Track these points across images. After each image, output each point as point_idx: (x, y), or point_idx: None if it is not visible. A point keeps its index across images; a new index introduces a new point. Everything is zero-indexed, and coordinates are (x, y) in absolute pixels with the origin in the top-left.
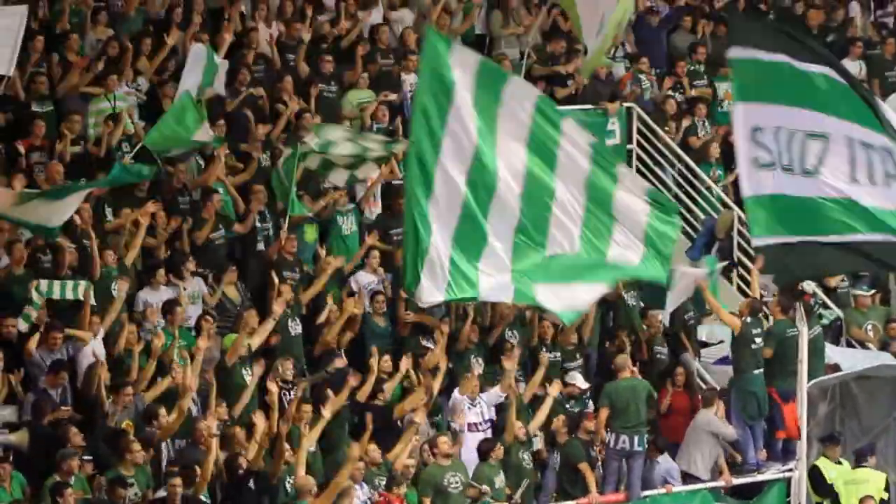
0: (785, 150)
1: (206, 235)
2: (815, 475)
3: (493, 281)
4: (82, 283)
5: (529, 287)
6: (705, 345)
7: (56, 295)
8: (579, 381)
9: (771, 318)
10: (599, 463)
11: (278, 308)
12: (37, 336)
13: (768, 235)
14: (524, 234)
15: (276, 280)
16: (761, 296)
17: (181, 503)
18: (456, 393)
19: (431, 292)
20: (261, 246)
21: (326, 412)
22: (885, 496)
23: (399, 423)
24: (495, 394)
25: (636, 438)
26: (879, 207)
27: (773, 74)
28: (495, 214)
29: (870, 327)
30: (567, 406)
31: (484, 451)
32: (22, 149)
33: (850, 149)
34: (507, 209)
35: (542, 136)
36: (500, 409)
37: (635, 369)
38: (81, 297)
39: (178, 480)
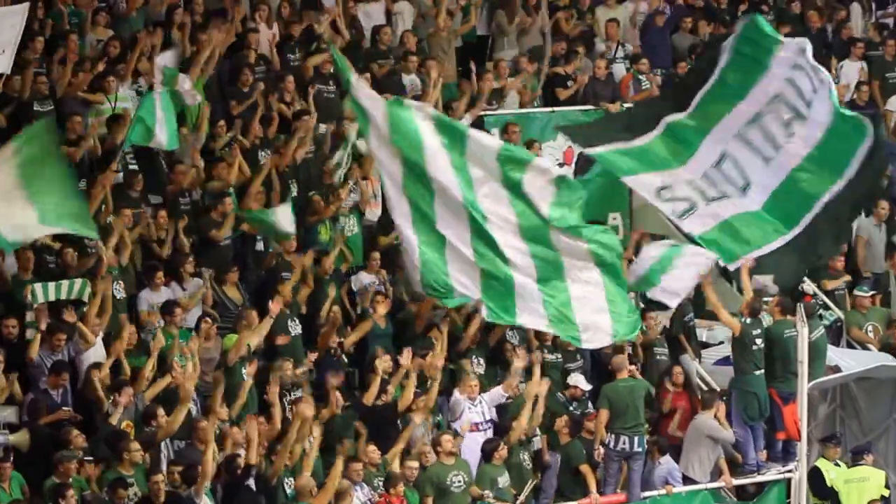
0: (707, 188)
1: (225, 234)
2: (815, 477)
3: (466, 287)
4: (78, 282)
5: (510, 308)
6: (705, 346)
7: (52, 297)
8: (581, 382)
9: (769, 318)
10: (602, 464)
11: (275, 307)
12: (38, 340)
13: (734, 260)
14: (478, 238)
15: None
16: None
17: (165, 500)
18: (456, 393)
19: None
20: (259, 246)
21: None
22: (887, 493)
23: (399, 423)
24: (498, 393)
25: (636, 439)
26: (795, 167)
27: (642, 153)
28: (440, 208)
29: (870, 328)
30: (571, 408)
31: (488, 451)
32: None
33: (744, 140)
34: (451, 207)
35: (451, 148)
36: (501, 409)
37: (633, 369)
38: (75, 297)
39: (159, 477)
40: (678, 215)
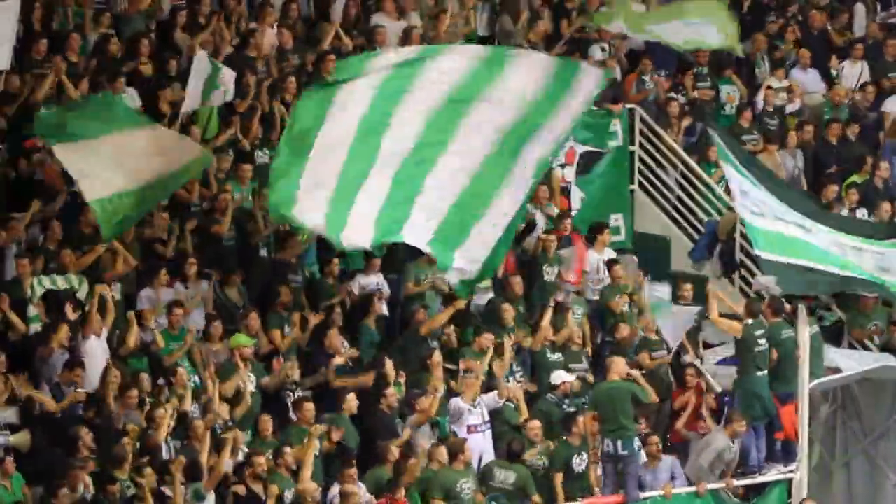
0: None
1: (225, 228)
2: None
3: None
4: (74, 277)
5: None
6: (707, 346)
7: (49, 286)
8: (564, 376)
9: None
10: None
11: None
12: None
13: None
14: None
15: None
16: (760, 297)
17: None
18: (459, 400)
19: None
20: (263, 253)
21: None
22: None
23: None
24: (493, 399)
25: (619, 442)
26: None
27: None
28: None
29: (872, 328)
30: (564, 406)
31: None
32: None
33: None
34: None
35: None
36: (494, 412)
37: (632, 371)
38: (72, 289)
39: (149, 470)
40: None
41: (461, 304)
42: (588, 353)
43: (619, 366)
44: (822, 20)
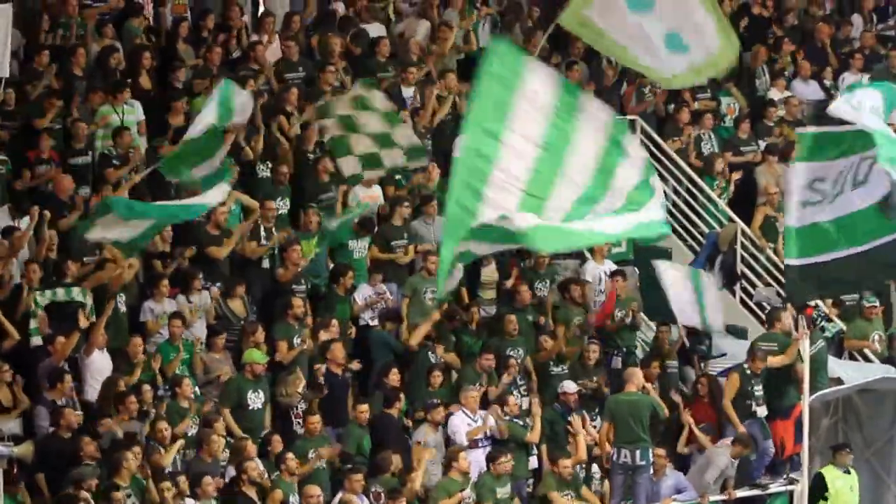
0: (840, 183)
1: (224, 253)
2: (816, 482)
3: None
4: (77, 289)
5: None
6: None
7: (59, 297)
8: (570, 387)
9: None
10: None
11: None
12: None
13: (800, 258)
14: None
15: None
16: (763, 308)
17: None
18: (460, 413)
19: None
20: (266, 264)
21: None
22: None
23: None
24: (492, 425)
25: (638, 453)
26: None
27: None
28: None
29: (875, 338)
30: (568, 417)
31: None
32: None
33: None
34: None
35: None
36: None
37: (647, 385)
38: (80, 299)
39: (166, 485)
40: (803, 204)
41: (437, 316)
42: (594, 364)
43: (637, 377)
44: (822, 31)
